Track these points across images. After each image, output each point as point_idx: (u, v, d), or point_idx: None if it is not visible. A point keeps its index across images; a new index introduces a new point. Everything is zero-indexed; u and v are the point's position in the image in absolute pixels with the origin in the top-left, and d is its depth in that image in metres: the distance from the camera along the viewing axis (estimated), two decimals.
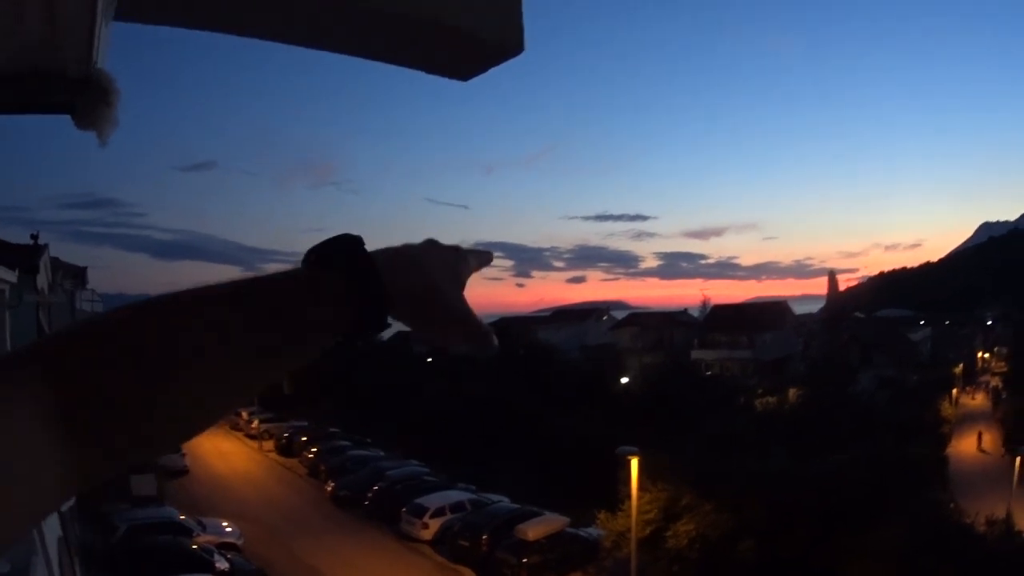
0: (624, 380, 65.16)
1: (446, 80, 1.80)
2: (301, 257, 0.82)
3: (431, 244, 0.95)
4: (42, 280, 24.22)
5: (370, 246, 0.84)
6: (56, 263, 33.80)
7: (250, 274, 0.81)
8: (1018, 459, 28.61)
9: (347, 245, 0.83)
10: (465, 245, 0.99)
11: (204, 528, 28.59)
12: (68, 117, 1.48)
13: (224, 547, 27.26)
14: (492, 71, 1.80)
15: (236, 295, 0.77)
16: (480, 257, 1.02)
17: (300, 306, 0.79)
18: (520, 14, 1.60)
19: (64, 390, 0.61)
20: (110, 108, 1.43)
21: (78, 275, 42.37)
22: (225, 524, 30.09)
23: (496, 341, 0.95)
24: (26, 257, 22.01)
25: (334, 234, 0.84)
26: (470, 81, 1.87)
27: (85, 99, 1.38)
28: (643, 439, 27.07)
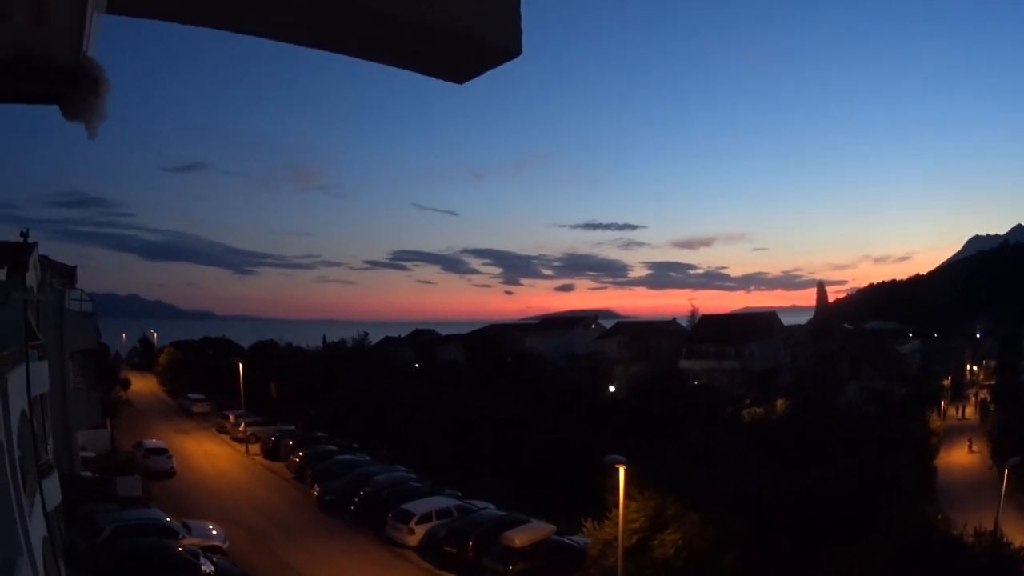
0: (611, 389, 65.22)
1: (435, 86, 1.80)
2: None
3: None
4: (31, 278, 24.13)
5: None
6: (45, 261, 33.66)
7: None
8: (1006, 471, 28.74)
9: None
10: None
11: (189, 530, 28.35)
12: (56, 109, 1.44)
13: (209, 550, 27.06)
14: (484, 76, 1.80)
15: None
16: None
17: None
18: (519, 17, 1.61)
19: None
20: (99, 99, 1.39)
21: (67, 274, 42.26)
22: (211, 527, 29.88)
23: None
24: (15, 254, 21.95)
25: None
26: (459, 88, 1.87)
27: (74, 88, 1.35)
28: (630, 448, 27.02)
